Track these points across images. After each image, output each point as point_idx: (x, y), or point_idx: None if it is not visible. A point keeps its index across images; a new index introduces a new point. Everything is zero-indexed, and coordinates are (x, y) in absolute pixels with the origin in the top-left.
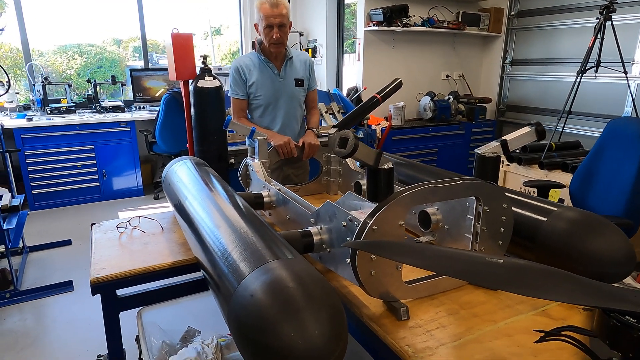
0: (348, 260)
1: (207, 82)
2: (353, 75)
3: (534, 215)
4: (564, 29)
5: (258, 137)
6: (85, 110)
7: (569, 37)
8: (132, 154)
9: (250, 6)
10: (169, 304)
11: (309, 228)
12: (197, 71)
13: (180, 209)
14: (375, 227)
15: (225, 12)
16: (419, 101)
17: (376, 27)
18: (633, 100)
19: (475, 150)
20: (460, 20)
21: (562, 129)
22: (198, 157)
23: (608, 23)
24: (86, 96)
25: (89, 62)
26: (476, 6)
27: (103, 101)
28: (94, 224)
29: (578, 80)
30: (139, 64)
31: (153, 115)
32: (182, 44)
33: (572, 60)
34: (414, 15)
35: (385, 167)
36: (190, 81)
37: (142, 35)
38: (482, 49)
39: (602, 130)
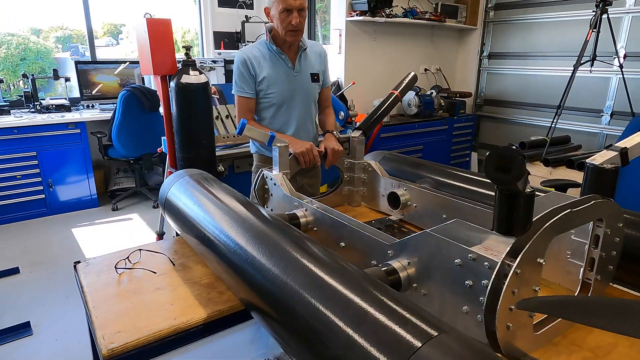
0: (465, 309)
1: (193, 78)
2: (332, 68)
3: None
4: (542, 22)
5: (278, 144)
6: (22, 110)
7: (547, 30)
8: (83, 160)
9: None
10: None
11: (391, 263)
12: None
13: (223, 247)
14: (519, 271)
15: None
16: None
17: (359, 17)
18: (628, 93)
19: (587, 162)
20: (439, 11)
21: (555, 124)
22: (181, 165)
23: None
24: (22, 93)
25: (9, 54)
26: None
27: (43, 99)
28: (78, 262)
29: (573, 74)
30: (65, 55)
31: (107, 115)
32: (160, 32)
33: (551, 54)
34: (397, 6)
35: (527, 191)
36: (169, 76)
37: (88, 24)
38: (459, 42)
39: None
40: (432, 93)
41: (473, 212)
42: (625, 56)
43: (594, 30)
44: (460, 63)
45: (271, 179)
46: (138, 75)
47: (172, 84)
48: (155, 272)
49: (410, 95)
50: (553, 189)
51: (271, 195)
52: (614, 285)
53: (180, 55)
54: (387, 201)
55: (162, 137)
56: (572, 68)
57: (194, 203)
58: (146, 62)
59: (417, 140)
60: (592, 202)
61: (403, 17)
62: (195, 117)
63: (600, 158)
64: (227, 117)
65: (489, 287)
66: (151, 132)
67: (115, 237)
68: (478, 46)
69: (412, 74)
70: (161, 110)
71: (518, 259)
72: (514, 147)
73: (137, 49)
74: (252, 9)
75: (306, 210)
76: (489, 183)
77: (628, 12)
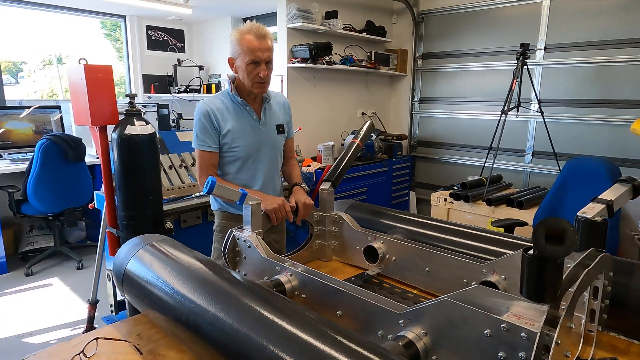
0: None
1: (138, 129)
2: None
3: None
4: (468, 71)
5: (251, 202)
6: None
7: (473, 78)
8: None
9: (139, 32)
10: None
11: (404, 334)
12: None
13: (215, 332)
14: (559, 341)
15: (69, 38)
16: (344, 140)
17: (301, 64)
18: (549, 135)
19: (578, 215)
20: (373, 59)
21: (493, 164)
22: (125, 224)
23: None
24: None
25: None
26: (383, 47)
27: None
28: None
29: (503, 118)
30: None
31: (19, 167)
32: (100, 80)
33: (477, 100)
34: (335, 54)
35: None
36: (110, 127)
37: None
38: (391, 88)
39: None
40: (372, 136)
41: (456, 263)
42: (539, 102)
43: (517, 79)
44: (393, 107)
45: (244, 241)
46: (56, 121)
47: (115, 135)
48: None
49: (351, 138)
50: (502, 229)
51: (244, 258)
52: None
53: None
54: (362, 255)
55: (95, 193)
56: (500, 112)
57: (169, 279)
58: (82, 111)
59: (361, 182)
60: (598, 258)
61: (341, 65)
62: (142, 171)
63: (590, 211)
64: (170, 167)
65: (532, 357)
66: (75, 185)
67: (31, 309)
68: (409, 92)
69: (369, 122)
70: (88, 160)
71: (558, 329)
72: (455, 187)
73: (71, 97)
74: (184, 52)
75: (291, 275)
76: (459, 230)
77: (539, 64)
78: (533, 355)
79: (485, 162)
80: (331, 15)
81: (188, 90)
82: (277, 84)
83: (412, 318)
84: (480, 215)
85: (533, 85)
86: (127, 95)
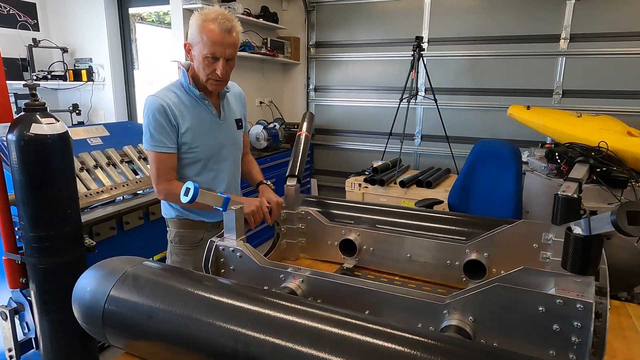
0: (552, 353)
1: (46, 127)
2: None
3: None
4: (365, 60)
5: (233, 207)
6: None
7: (370, 67)
8: None
9: None
10: None
11: (451, 323)
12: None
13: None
14: (609, 306)
15: None
16: (249, 131)
17: None
18: (442, 121)
19: (558, 193)
20: (269, 46)
21: (401, 150)
22: (36, 247)
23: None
24: None
25: None
26: (276, 34)
27: None
28: None
29: (400, 106)
30: None
31: None
32: None
33: (370, 88)
34: None
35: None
36: (5, 126)
37: None
38: (285, 76)
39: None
40: (275, 125)
41: (437, 246)
42: (425, 90)
43: (415, 70)
44: (288, 95)
45: (232, 250)
46: None
47: (12, 136)
48: None
49: (259, 129)
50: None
51: (232, 269)
52: None
53: None
54: (337, 249)
55: None
56: (398, 100)
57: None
58: None
59: (271, 173)
60: None
61: (241, 51)
62: (55, 180)
63: (568, 190)
64: (81, 169)
65: (591, 327)
66: None
67: None
68: (304, 80)
69: (308, 112)
70: None
71: (608, 296)
72: (366, 172)
73: None
74: (39, 31)
75: (301, 280)
76: (420, 215)
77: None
78: (592, 322)
79: (387, 147)
80: None
81: (49, 76)
82: (175, 71)
83: (457, 306)
84: (394, 197)
85: (428, 76)
86: (25, 85)
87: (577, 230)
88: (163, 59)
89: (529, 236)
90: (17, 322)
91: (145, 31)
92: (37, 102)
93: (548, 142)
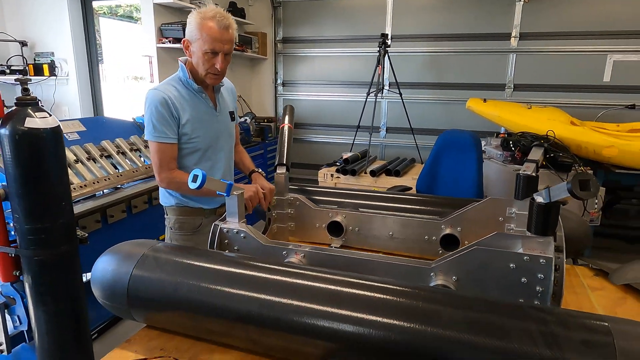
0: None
1: (39, 121)
2: (140, 98)
3: None
4: (331, 56)
5: (236, 192)
6: None
7: (336, 63)
8: None
9: None
10: None
11: (437, 283)
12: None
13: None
14: (565, 260)
15: None
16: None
17: (173, 45)
18: (407, 114)
19: (519, 172)
20: (238, 41)
21: (369, 141)
22: (31, 240)
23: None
24: None
25: None
26: (243, 29)
27: None
28: None
29: (367, 100)
30: None
31: None
32: None
33: (336, 83)
34: None
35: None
36: None
37: None
38: (252, 70)
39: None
40: (246, 119)
41: (417, 223)
42: (390, 84)
43: (381, 65)
44: (256, 90)
45: (237, 232)
46: None
47: (5, 130)
48: None
49: None
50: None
51: (237, 250)
52: None
53: None
54: (326, 231)
55: None
56: (365, 95)
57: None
58: None
59: None
60: None
61: None
62: (50, 173)
63: (528, 169)
64: (76, 161)
65: (552, 277)
66: None
67: None
68: (272, 75)
69: (289, 105)
70: None
71: (564, 252)
72: (337, 163)
73: None
74: None
75: (303, 255)
76: (397, 197)
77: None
78: (552, 273)
79: (355, 139)
80: None
81: (8, 71)
82: (146, 65)
83: (443, 268)
84: (365, 185)
85: (393, 71)
86: (17, 80)
87: (539, 199)
88: (131, 53)
89: (495, 211)
90: (7, 316)
91: (109, 25)
92: (29, 97)
93: (502, 132)
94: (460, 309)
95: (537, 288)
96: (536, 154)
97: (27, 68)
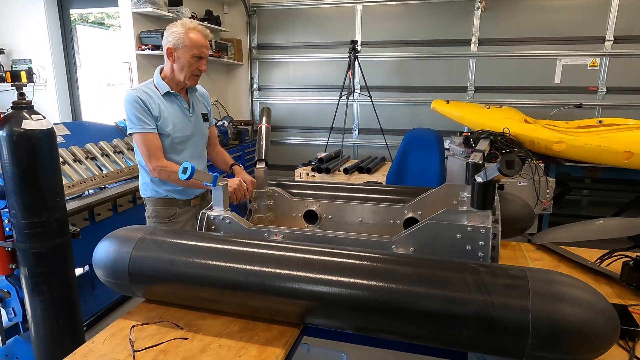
0: None
1: (34, 123)
2: (118, 103)
3: None
4: (299, 62)
5: (221, 184)
6: None
7: (303, 68)
8: None
9: None
10: None
11: (399, 252)
12: None
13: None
14: (501, 229)
15: None
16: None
17: (152, 52)
18: (377, 115)
19: (468, 161)
20: (214, 48)
21: (342, 143)
22: (28, 233)
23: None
24: None
25: None
26: (219, 36)
27: None
28: None
29: (340, 103)
30: None
31: None
32: None
33: (309, 87)
34: None
35: (494, 179)
36: None
37: None
38: (228, 76)
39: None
40: (224, 123)
41: (382, 210)
42: (361, 88)
43: (352, 70)
44: (233, 94)
45: (222, 218)
46: None
47: (3, 132)
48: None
49: None
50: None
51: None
52: None
53: None
54: (302, 219)
55: None
56: (337, 98)
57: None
58: None
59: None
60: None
61: None
62: (45, 172)
63: (475, 158)
64: (63, 163)
65: (490, 244)
66: None
67: None
68: (247, 80)
69: (266, 107)
70: None
71: (500, 224)
72: (312, 162)
73: None
74: None
75: (282, 236)
76: (365, 188)
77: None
78: (491, 240)
79: (329, 140)
80: (175, 2)
81: None
82: (126, 72)
83: (402, 241)
84: (363, 182)
85: (363, 75)
86: (13, 85)
87: (479, 179)
88: (109, 59)
89: (450, 196)
90: (1, 310)
91: (86, 32)
92: (24, 101)
93: (465, 131)
94: (411, 267)
95: (479, 254)
96: (482, 144)
97: (4, 75)
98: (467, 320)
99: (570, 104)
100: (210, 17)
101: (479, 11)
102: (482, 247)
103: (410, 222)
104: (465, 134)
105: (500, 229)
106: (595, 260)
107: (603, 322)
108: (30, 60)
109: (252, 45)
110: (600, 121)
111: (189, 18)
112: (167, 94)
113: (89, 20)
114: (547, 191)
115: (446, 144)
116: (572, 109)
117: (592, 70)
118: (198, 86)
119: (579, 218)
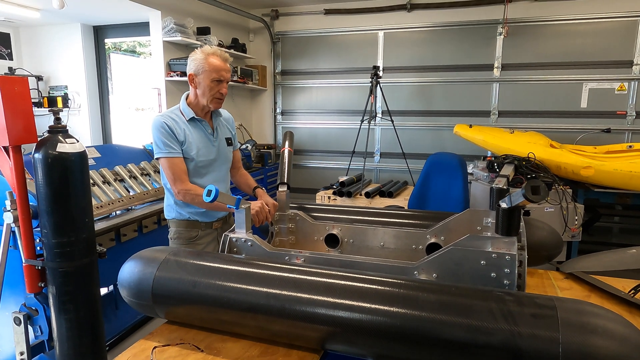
0: None
1: (68, 147)
2: (147, 127)
3: None
4: (321, 87)
5: (243, 206)
6: None
7: (331, 92)
8: None
9: None
10: None
11: (422, 278)
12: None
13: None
14: (527, 257)
15: None
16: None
17: (180, 78)
18: (399, 139)
19: (492, 186)
20: (240, 74)
21: (364, 166)
22: (57, 252)
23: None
24: None
25: None
26: (244, 62)
27: None
28: None
29: (361, 127)
30: None
31: None
32: (17, 94)
33: (331, 111)
34: None
35: (520, 205)
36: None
37: None
38: (252, 101)
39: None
40: (247, 146)
41: (404, 234)
42: (383, 112)
43: (374, 95)
44: (256, 119)
45: (244, 241)
46: None
47: (39, 155)
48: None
49: None
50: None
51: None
52: None
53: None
54: (324, 242)
55: None
56: (359, 122)
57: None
58: None
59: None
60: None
61: None
62: (76, 192)
63: (499, 183)
64: (93, 184)
65: (515, 271)
66: None
67: None
68: (271, 104)
69: (288, 132)
70: None
71: (526, 251)
72: (334, 186)
73: None
74: (12, 59)
75: (303, 259)
76: (387, 213)
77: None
78: (516, 267)
79: (350, 164)
80: (203, 31)
81: None
82: (155, 97)
83: (425, 267)
84: (385, 206)
85: (385, 100)
86: (50, 110)
87: (503, 204)
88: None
89: (474, 221)
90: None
91: (118, 59)
92: (60, 125)
93: (489, 156)
94: (434, 294)
95: (505, 281)
96: (507, 169)
97: (42, 100)
98: (493, 351)
99: (597, 128)
100: (236, 45)
101: (502, 37)
102: (508, 274)
103: (432, 248)
104: (489, 158)
105: (527, 256)
106: (629, 291)
107: (638, 357)
108: (66, 86)
109: (276, 71)
110: (630, 146)
111: (217, 46)
112: (192, 120)
113: (122, 49)
114: (576, 217)
115: (469, 169)
116: (599, 133)
117: (620, 95)
118: (223, 111)
119: (610, 246)
